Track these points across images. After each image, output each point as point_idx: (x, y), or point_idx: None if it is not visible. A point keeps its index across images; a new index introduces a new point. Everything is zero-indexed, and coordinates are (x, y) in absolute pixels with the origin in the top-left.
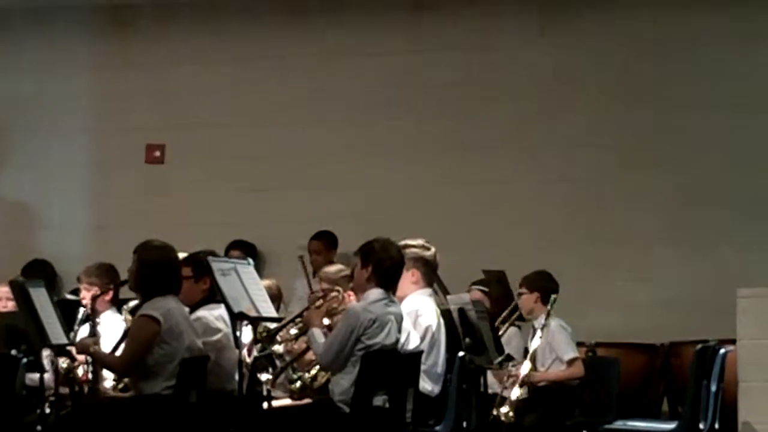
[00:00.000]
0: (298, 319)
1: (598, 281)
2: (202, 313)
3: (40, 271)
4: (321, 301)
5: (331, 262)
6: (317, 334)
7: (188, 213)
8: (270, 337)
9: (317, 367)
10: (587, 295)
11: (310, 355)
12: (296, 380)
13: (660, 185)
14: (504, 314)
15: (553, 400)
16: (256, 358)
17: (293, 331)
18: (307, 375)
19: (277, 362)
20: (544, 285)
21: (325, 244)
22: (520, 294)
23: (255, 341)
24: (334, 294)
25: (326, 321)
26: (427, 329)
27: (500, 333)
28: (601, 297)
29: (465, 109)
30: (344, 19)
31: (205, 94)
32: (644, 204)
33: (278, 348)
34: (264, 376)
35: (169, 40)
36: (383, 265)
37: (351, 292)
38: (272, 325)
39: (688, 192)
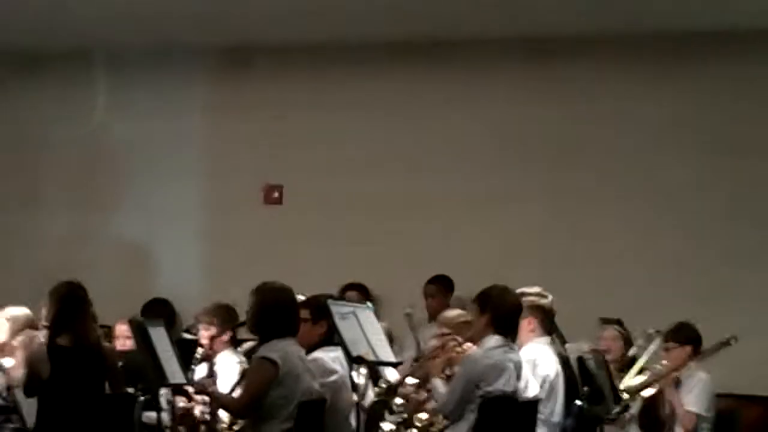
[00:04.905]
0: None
1: (710, 334)
2: (318, 354)
3: (160, 309)
4: (440, 350)
5: (447, 306)
6: (438, 384)
7: (304, 255)
8: (392, 391)
9: (433, 414)
10: None
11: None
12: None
13: None
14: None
15: None
16: (374, 403)
17: (411, 381)
18: (422, 422)
19: (394, 407)
20: (694, 337)
21: (440, 287)
22: (667, 348)
23: (374, 383)
24: (452, 343)
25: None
26: (545, 378)
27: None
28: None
29: (576, 159)
30: (458, 67)
31: (321, 138)
32: (756, 256)
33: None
34: (387, 426)
35: (286, 83)
36: (501, 312)
37: (470, 342)
38: (390, 377)
39: None
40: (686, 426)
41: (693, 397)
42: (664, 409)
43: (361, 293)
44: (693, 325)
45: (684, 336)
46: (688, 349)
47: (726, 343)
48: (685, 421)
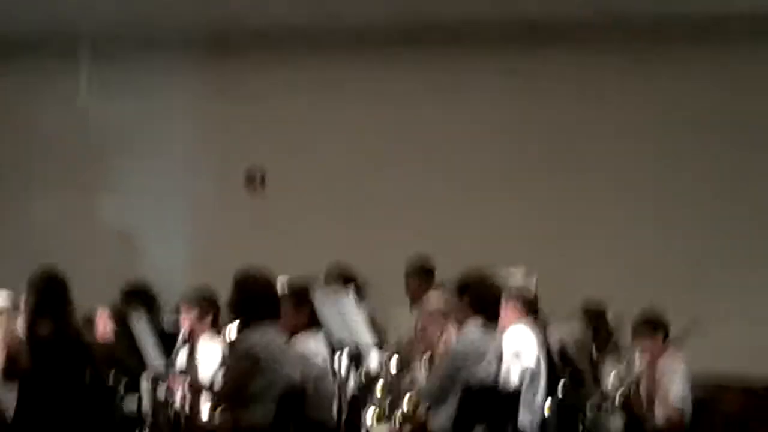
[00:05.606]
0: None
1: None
2: (300, 342)
3: (141, 295)
4: (422, 336)
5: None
6: (419, 369)
7: (288, 239)
8: (374, 378)
9: (416, 400)
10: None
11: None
12: (396, 414)
13: None
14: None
15: None
16: (357, 390)
17: (394, 368)
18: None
19: (376, 394)
20: (661, 325)
21: (421, 273)
22: (638, 341)
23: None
24: (432, 329)
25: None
26: (526, 369)
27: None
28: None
29: (576, 146)
30: (440, 50)
31: (306, 122)
32: (742, 245)
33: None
34: (369, 411)
35: (271, 69)
36: (480, 296)
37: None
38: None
39: None
40: (675, 422)
41: (676, 393)
42: (642, 404)
43: (345, 277)
44: (657, 314)
45: (651, 326)
46: (658, 338)
47: (691, 328)
48: (673, 418)
